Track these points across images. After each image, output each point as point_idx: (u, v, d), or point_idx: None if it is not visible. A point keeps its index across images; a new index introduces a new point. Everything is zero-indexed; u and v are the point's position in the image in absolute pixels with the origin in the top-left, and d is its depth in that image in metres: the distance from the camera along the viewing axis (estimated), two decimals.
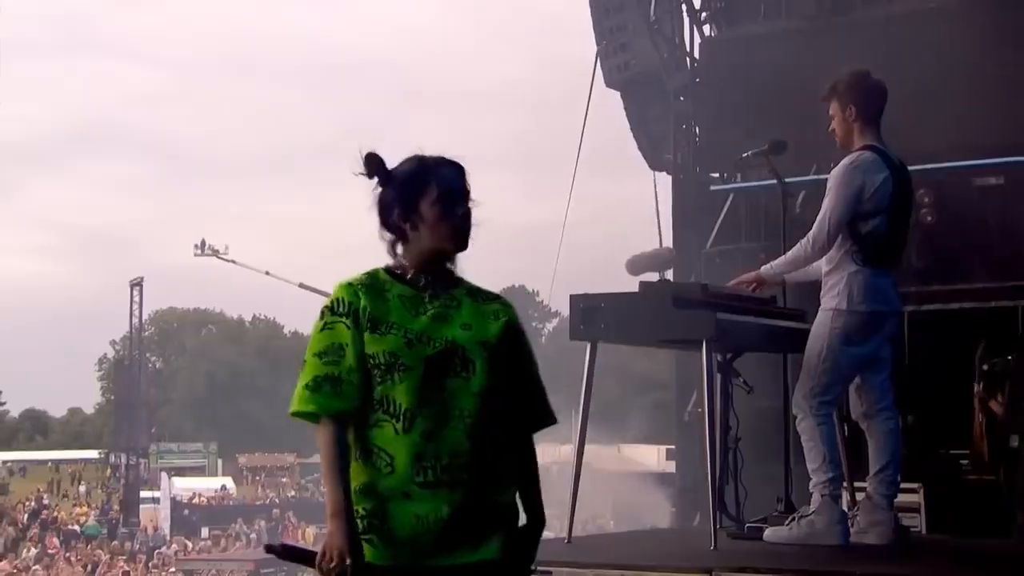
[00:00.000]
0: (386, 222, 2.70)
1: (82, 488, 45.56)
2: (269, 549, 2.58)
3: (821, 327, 4.61)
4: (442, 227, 2.65)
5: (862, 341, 4.60)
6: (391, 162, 2.73)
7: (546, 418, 2.77)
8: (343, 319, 2.58)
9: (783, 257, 4.72)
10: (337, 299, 2.61)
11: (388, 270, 2.71)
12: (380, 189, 2.71)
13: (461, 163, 2.71)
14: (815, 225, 4.57)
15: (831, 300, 4.59)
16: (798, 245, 4.63)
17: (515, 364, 2.70)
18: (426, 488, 2.53)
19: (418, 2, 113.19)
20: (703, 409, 4.65)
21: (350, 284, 2.64)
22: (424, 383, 2.56)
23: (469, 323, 2.66)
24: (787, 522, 4.69)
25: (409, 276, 2.67)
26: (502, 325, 2.69)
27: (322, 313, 2.60)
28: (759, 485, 5.32)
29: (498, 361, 2.65)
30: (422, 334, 2.60)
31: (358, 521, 2.54)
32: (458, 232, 2.67)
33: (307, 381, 2.55)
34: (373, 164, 2.69)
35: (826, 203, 4.55)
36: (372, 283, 2.65)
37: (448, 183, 2.67)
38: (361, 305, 2.60)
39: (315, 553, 2.49)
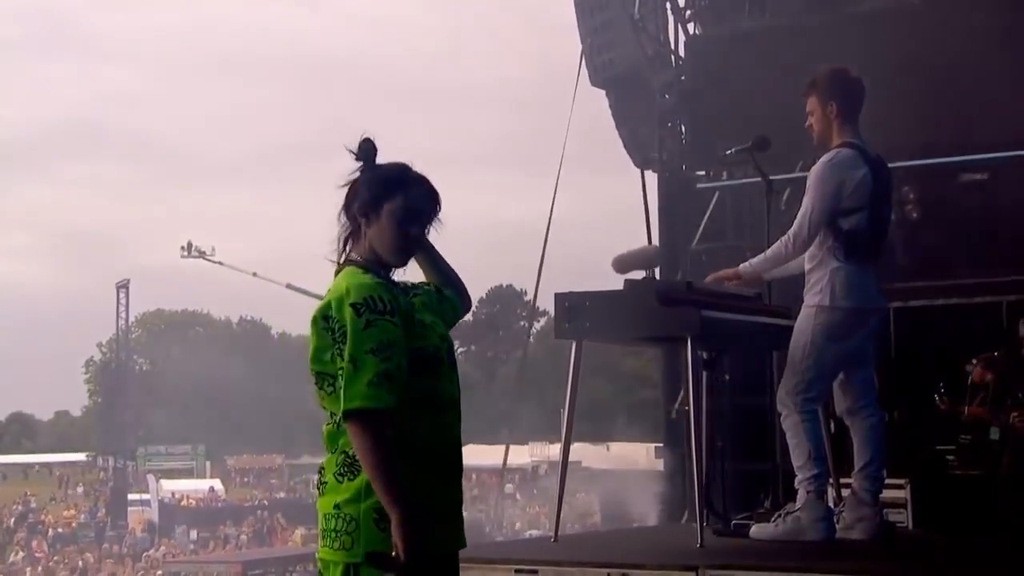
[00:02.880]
0: (348, 209, 2.73)
1: (79, 489, 45.30)
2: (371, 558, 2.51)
3: (804, 323, 4.61)
4: (390, 236, 2.70)
5: (845, 337, 4.60)
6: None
7: None
8: (387, 317, 2.57)
9: (763, 254, 4.71)
10: (375, 296, 2.58)
11: (365, 268, 2.70)
12: (358, 176, 2.73)
13: (440, 194, 2.74)
14: (795, 222, 4.57)
15: (814, 296, 4.59)
16: (778, 242, 4.63)
17: None
18: (453, 479, 2.67)
19: (402, 0, 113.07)
20: (689, 407, 4.65)
21: (380, 283, 2.64)
22: (449, 375, 2.69)
23: (435, 319, 2.76)
24: (773, 519, 4.69)
25: (381, 274, 2.70)
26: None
27: (357, 310, 2.55)
28: (745, 482, 5.33)
29: None
30: (439, 328, 2.72)
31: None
32: (401, 249, 2.72)
33: (370, 377, 2.51)
34: (365, 149, 2.72)
35: (806, 200, 4.55)
36: (386, 282, 2.67)
37: (418, 200, 2.71)
38: (402, 302, 2.63)
39: (397, 558, 2.48)
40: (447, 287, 2.87)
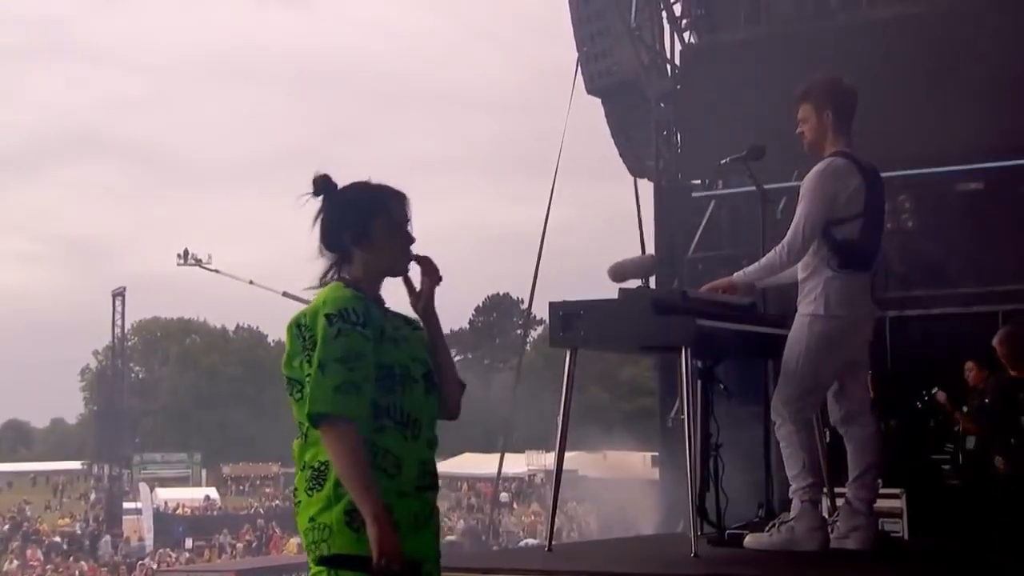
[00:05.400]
0: (331, 241, 2.80)
1: (92, 496, 44.98)
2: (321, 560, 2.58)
3: (798, 333, 4.59)
4: (391, 249, 2.80)
5: (840, 347, 4.58)
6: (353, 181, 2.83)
7: None
8: (358, 328, 2.64)
9: (757, 263, 4.70)
10: (348, 308, 2.65)
11: (347, 285, 2.76)
12: (325, 208, 2.81)
13: (406, 193, 2.84)
14: (789, 231, 4.55)
15: (808, 306, 4.57)
16: (772, 251, 4.61)
17: None
18: (421, 491, 2.70)
19: (399, 5, 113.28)
20: (685, 416, 4.63)
21: (356, 296, 2.70)
22: (423, 396, 2.73)
23: (423, 348, 2.81)
24: (767, 528, 4.67)
25: (369, 296, 2.77)
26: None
27: (329, 319, 2.62)
28: (740, 491, 5.30)
29: None
30: (413, 351, 2.76)
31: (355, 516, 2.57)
32: (407, 256, 2.83)
33: (337, 383, 2.58)
34: (322, 184, 2.80)
35: (800, 210, 4.54)
36: (365, 297, 2.73)
37: (399, 209, 2.82)
38: (374, 316, 2.69)
39: (369, 558, 2.53)
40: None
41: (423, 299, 2.85)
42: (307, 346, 2.63)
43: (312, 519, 2.62)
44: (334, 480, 2.60)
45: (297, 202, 2.78)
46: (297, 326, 2.66)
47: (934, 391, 7.59)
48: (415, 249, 2.84)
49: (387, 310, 2.81)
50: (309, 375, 2.61)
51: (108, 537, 32.78)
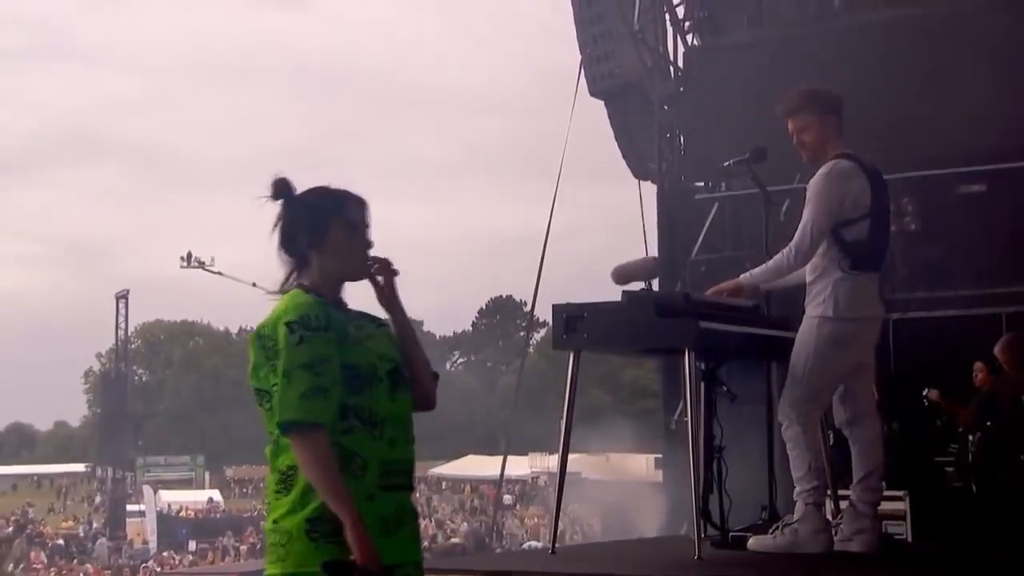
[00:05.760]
0: (289, 245, 2.80)
1: (97, 499, 44.98)
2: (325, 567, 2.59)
3: (807, 335, 4.59)
4: (351, 255, 2.80)
5: (848, 348, 4.59)
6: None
7: None
8: (320, 333, 2.64)
9: (764, 266, 4.70)
10: (309, 314, 2.66)
11: (307, 291, 2.76)
12: (284, 213, 2.80)
13: (365, 199, 2.83)
14: (797, 234, 4.56)
15: (817, 307, 4.58)
16: (780, 254, 4.61)
17: None
18: (387, 491, 2.68)
19: (399, 6, 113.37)
20: (688, 418, 4.63)
21: (318, 302, 2.71)
22: (389, 394, 2.72)
23: (391, 345, 2.81)
24: (771, 531, 4.67)
25: (330, 300, 2.77)
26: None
27: (290, 327, 2.63)
28: (744, 494, 5.31)
29: None
30: (379, 349, 2.76)
31: (330, 523, 2.57)
32: (364, 261, 2.82)
33: (303, 390, 2.59)
34: (280, 188, 2.79)
35: (807, 212, 4.55)
36: (325, 302, 2.74)
37: (355, 213, 2.81)
38: (335, 320, 2.70)
39: (353, 562, 2.54)
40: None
41: (386, 292, 2.85)
42: (270, 356, 2.64)
43: (276, 522, 2.64)
44: (301, 487, 2.61)
45: (255, 204, 2.78)
46: (259, 336, 2.67)
47: (926, 392, 7.61)
48: (373, 253, 2.82)
49: (350, 311, 2.80)
50: (276, 385, 2.62)
51: (103, 540, 32.82)
